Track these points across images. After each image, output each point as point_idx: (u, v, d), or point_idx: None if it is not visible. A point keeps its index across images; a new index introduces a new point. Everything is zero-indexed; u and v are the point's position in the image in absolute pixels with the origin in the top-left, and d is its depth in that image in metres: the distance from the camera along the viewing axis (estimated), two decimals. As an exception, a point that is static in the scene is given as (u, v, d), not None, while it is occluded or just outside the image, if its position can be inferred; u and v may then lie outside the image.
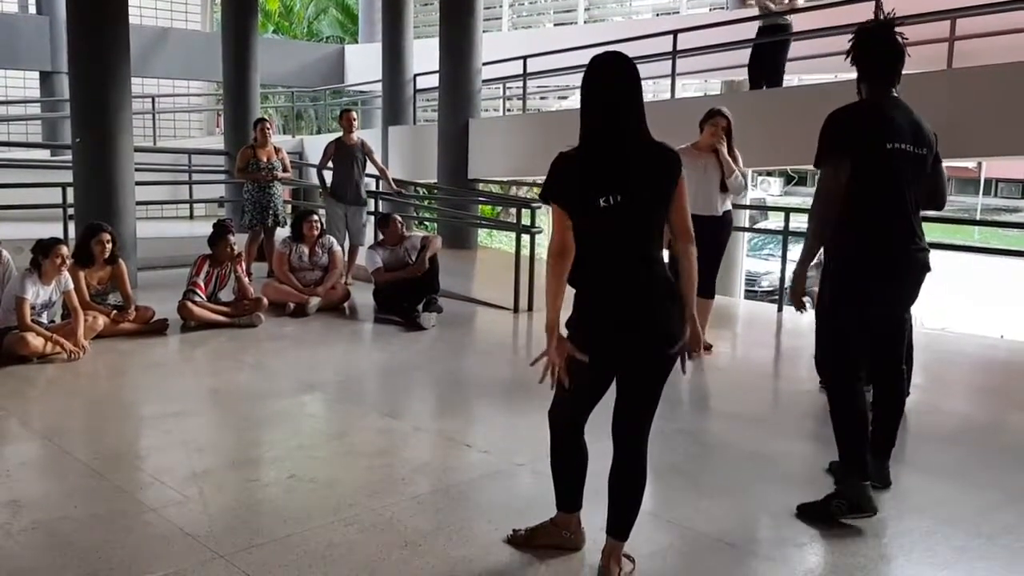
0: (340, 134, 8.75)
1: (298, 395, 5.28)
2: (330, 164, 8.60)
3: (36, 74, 15.67)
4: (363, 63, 17.41)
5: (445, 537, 3.25)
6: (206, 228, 7.35)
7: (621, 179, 2.68)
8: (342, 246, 8.48)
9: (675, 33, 9.39)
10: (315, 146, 14.42)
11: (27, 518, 3.38)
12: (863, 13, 8.18)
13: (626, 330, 2.72)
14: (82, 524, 3.35)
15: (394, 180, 9.26)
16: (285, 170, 8.74)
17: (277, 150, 8.70)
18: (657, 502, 3.55)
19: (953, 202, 35.30)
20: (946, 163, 3.70)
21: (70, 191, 8.56)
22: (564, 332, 2.79)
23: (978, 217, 27.97)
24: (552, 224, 2.76)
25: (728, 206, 5.95)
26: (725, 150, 5.78)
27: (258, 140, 8.61)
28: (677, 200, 2.78)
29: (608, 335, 2.74)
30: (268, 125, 8.70)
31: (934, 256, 3.51)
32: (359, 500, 3.58)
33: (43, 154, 13.19)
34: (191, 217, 12.81)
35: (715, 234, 5.71)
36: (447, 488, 3.75)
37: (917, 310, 3.80)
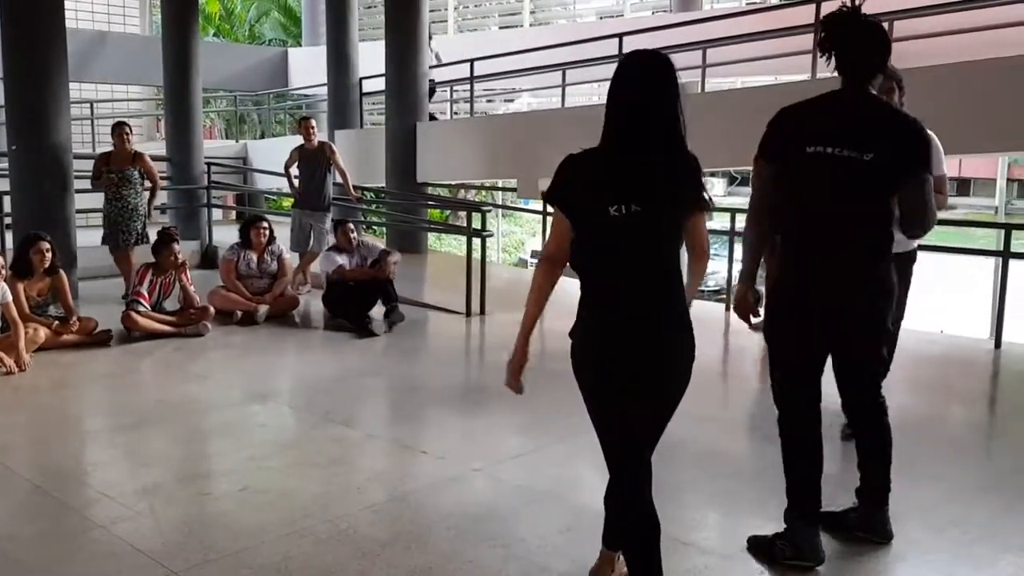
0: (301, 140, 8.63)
1: (248, 405, 5.21)
2: (295, 170, 8.52)
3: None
4: (307, 66, 17.26)
5: (403, 546, 3.22)
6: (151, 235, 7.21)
7: (639, 186, 2.44)
8: (305, 252, 8.39)
9: (620, 36, 9.48)
10: (259, 150, 14.26)
11: (-25, 538, 3.28)
12: (802, 16, 8.40)
13: (630, 375, 2.51)
14: (30, 543, 3.27)
15: (355, 187, 9.16)
16: (153, 181, 8.07)
17: (139, 157, 8.02)
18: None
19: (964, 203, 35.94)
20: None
21: (6, 199, 8.31)
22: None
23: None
24: (551, 227, 2.60)
25: None
26: None
27: (115, 146, 7.92)
28: (697, 214, 2.56)
29: (611, 373, 2.53)
30: (127, 130, 8.01)
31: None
32: (314, 511, 3.54)
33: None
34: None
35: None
36: (403, 496, 3.73)
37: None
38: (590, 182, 2.48)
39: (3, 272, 5.82)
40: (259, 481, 3.89)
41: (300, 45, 20.72)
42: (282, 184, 10.91)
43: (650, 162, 2.46)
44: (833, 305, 2.98)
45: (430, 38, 14.66)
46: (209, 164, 10.66)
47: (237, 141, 15.47)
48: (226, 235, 10.31)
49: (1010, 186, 25.70)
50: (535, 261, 11.80)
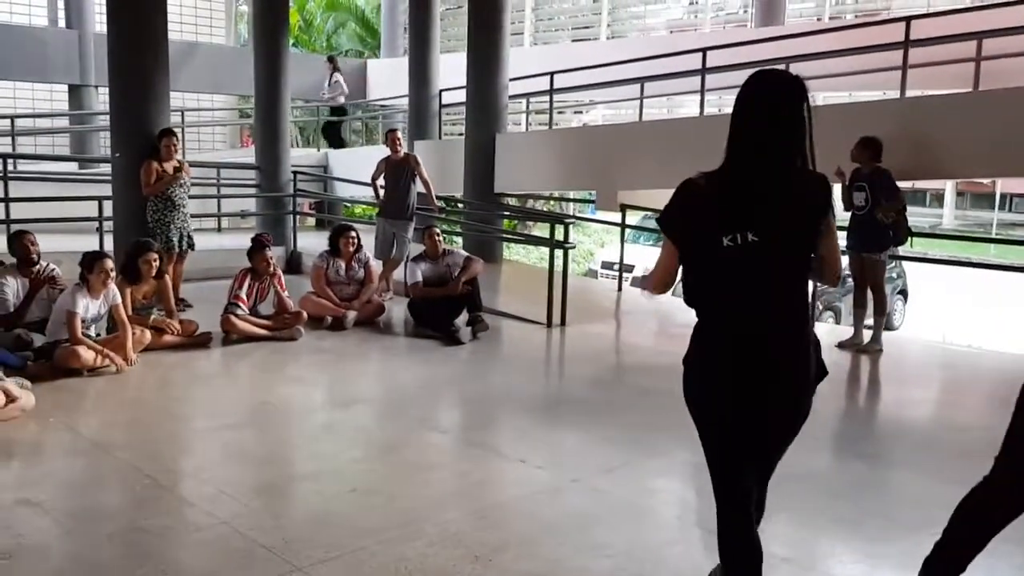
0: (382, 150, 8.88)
1: (346, 408, 5.39)
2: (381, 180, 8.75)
3: (63, 87, 15.89)
4: (385, 78, 17.62)
5: (513, 551, 3.33)
6: (235, 241, 7.39)
7: (757, 215, 2.35)
8: (388, 259, 8.58)
9: (704, 51, 9.50)
10: (339, 159, 14.60)
11: (105, 528, 3.49)
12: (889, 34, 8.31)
13: (745, 403, 2.43)
14: (157, 536, 3.45)
15: (437, 197, 9.35)
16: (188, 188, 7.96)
17: (182, 164, 7.92)
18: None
19: (968, 216, 35.38)
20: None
21: (105, 204, 8.68)
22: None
23: (994, 233, 27.98)
24: (661, 252, 2.54)
25: None
26: None
27: (163, 155, 7.70)
28: (827, 237, 2.42)
29: (721, 411, 2.48)
30: (175, 139, 7.80)
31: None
32: (422, 514, 3.68)
33: (72, 167, 13.37)
34: (219, 230, 12.95)
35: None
36: (507, 503, 3.85)
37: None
38: (703, 211, 2.39)
39: (111, 274, 6.09)
40: (367, 482, 4.05)
41: (377, 56, 21.12)
42: (364, 192, 11.21)
43: (770, 189, 2.37)
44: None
45: (334, 66, 15.24)
46: (295, 172, 10.95)
47: (319, 150, 15.83)
48: (305, 242, 10.65)
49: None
50: (605, 272, 11.82)
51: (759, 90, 2.43)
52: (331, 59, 16.10)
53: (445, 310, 7.20)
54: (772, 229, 2.35)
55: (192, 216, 8.20)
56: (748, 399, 2.42)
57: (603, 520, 3.68)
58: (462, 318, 7.22)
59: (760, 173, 2.39)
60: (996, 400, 6.03)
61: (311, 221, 13.71)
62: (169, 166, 7.75)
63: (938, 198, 33.83)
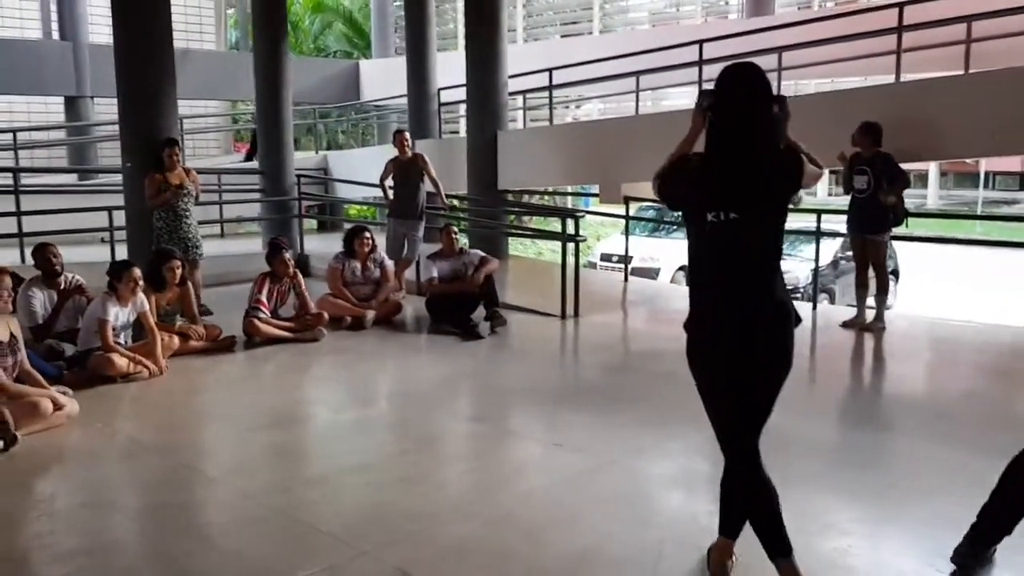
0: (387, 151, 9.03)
1: (376, 404, 5.57)
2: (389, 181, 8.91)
3: (58, 99, 15.95)
4: (378, 78, 17.74)
5: (564, 528, 3.52)
6: (240, 246, 7.44)
7: (730, 197, 2.69)
8: (399, 259, 8.73)
9: (700, 43, 9.68)
10: (338, 161, 14.75)
11: (173, 523, 3.66)
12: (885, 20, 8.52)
13: (734, 357, 2.76)
14: (222, 528, 3.63)
15: (447, 195, 9.51)
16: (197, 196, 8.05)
17: (188, 172, 7.99)
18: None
19: (952, 196, 35.80)
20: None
21: (115, 214, 8.80)
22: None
23: (979, 211, 28.35)
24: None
25: None
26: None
27: (166, 165, 7.73)
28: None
29: (718, 355, 2.80)
30: (177, 149, 7.87)
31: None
32: (473, 498, 3.87)
33: (73, 178, 13.47)
34: (222, 235, 13.07)
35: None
36: (551, 485, 4.03)
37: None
38: (695, 185, 2.76)
39: (139, 282, 6.23)
40: (415, 472, 4.21)
41: (365, 56, 21.23)
42: (368, 193, 11.37)
43: (750, 171, 2.70)
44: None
45: None
46: (299, 176, 11.09)
47: (316, 152, 15.96)
48: (310, 245, 10.81)
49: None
50: (604, 264, 11.98)
51: (731, 82, 2.75)
52: None
53: (462, 306, 7.37)
54: (750, 208, 2.70)
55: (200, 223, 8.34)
56: (736, 350, 2.75)
57: (644, 494, 3.88)
58: (479, 313, 7.40)
59: (738, 158, 2.72)
60: (1002, 370, 6.31)
61: (312, 224, 13.84)
62: (173, 175, 7.80)
63: (921, 178, 34.27)
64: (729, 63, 2.82)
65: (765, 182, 2.73)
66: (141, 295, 6.24)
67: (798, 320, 2.80)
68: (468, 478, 4.15)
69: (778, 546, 2.79)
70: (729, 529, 3.06)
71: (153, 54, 8.14)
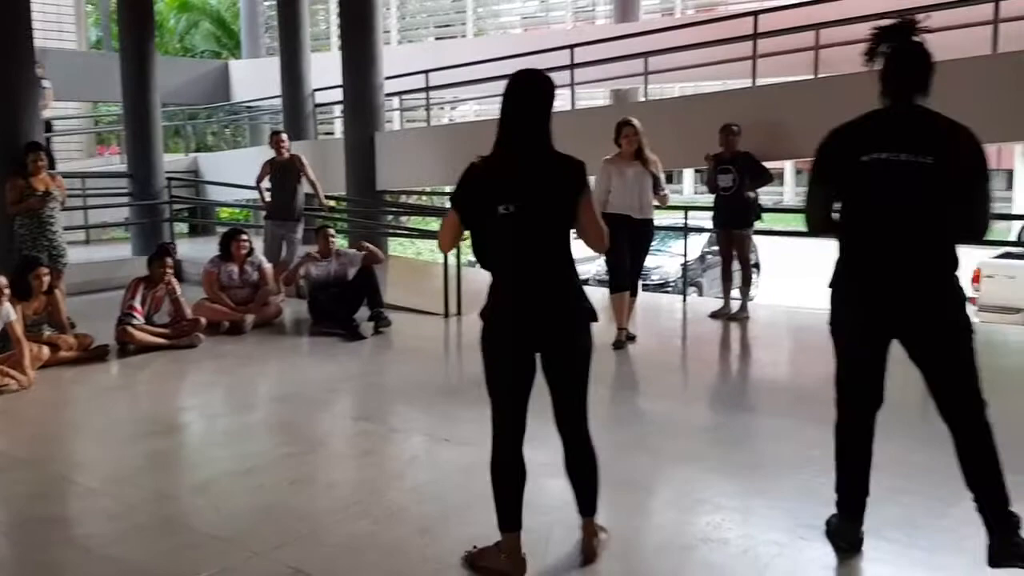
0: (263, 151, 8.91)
1: (260, 408, 5.53)
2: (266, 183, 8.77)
3: None
4: (249, 79, 17.35)
5: (455, 520, 3.63)
6: (106, 253, 7.21)
7: (519, 189, 2.88)
8: (278, 262, 8.63)
9: (572, 48, 9.97)
10: (209, 163, 14.37)
11: (53, 535, 3.56)
12: (741, 28, 9.02)
13: (531, 333, 3.01)
14: (117, 538, 3.53)
15: (326, 196, 9.44)
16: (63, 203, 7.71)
17: (54, 177, 7.70)
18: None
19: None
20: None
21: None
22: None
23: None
24: (446, 219, 3.08)
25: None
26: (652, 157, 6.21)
27: (30, 170, 7.38)
28: (584, 211, 2.95)
29: (514, 334, 3.04)
30: (42, 154, 7.52)
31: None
32: (363, 496, 3.93)
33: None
34: (87, 242, 12.53)
35: (646, 235, 6.28)
36: (441, 478, 4.13)
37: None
38: (481, 186, 2.93)
39: (6, 292, 5.97)
40: (303, 473, 4.24)
41: (234, 57, 20.72)
42: (242, 195, 11.16)
43: (528, 167, 2.91)
44: (895, 293, 2.97)
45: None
46: (170, 179, 10.77)
47: (186, 154, 15.46)
48: (182, 249, 10.48)
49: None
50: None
51: (516, 88, 2.96)
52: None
53: (344, 306, 7.37)
54: (533, 200, 2.90)
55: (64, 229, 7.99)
56: (529, 339, 3.01)
57: (533, 483, 3.99)
58: (362, 313, 7.42)
59: (521, 155, 2.93)
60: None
61: (183, 228, 13.45)
62: (38, 181, 7.45)
63: (778, 176, 36.03)
64: (520, 69, 3.03)
65: (551, 178, 2.94)
66: (7, 304, 5.98)
67: (592, 318, 3.02)
68: (357, 476, 4.20)
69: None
70: (583, 507, 3.31)
71: (10, 55, 7.78)
